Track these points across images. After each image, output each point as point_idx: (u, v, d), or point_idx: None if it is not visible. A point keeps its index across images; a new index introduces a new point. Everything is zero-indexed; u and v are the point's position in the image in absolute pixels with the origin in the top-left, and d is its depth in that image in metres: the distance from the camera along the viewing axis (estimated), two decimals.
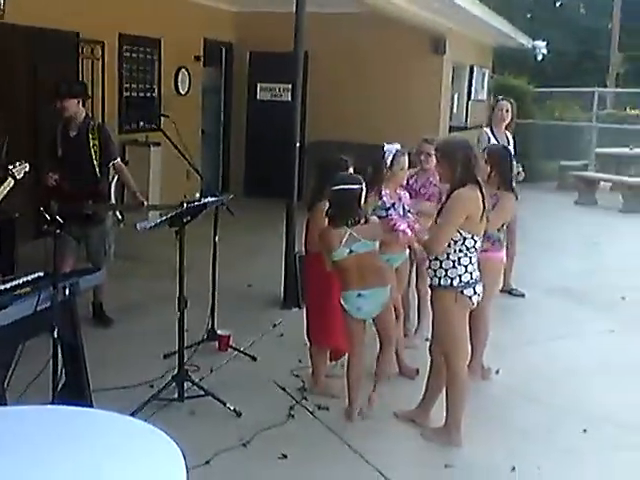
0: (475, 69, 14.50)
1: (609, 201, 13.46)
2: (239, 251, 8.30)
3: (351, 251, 4.46)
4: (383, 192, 5.09)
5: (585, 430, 4.61)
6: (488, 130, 7.33)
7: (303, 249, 4.93)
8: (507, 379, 5.37)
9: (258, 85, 12.52)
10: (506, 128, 7.39)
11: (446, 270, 4.18)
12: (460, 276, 4.17)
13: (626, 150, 15.54)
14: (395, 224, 4.95)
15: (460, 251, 4.16)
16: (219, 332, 5.71)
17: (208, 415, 4.59)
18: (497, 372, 5.44)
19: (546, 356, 5.82)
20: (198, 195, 5.02)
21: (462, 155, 4.16)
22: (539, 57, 16.43)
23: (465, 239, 4.14)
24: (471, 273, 4.20)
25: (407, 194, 5.30)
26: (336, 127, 11.55)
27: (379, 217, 4.89)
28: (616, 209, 12.95)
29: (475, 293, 4.24)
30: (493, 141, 7.06)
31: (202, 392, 4.69)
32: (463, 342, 4.38)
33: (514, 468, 4.14)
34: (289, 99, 11.81)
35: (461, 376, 4.35)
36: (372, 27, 11.39)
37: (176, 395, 4.68)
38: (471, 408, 4.46)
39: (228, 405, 4.61)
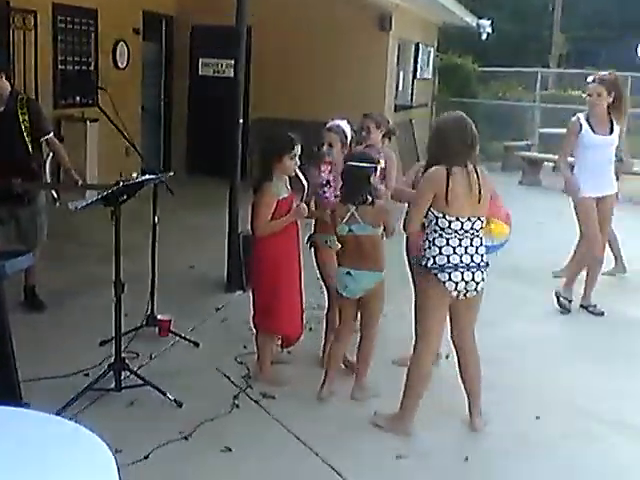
0: (421, 47, 14.35)
1: (553, 181, 13.45)
2: (181, 232, 8.04)
3: (350, 230, 4.43)
4: (322, 167, 4.92)
5: (538, 417, 4.52)
6: None
7: (250, 230, 4.71)
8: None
9: (200, 60, 12.17)
10: None
11: (424, 250, 4.07)
12: (434, 257, 4.00)
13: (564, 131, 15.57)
14: (329, 203, 4.80)
15: (435, 231, 4.02)
16: (159, 317, 5.45)
17: (147, 406, 4.36)
18: (447, 357, 5.29)
19: (499, 339, 5.70)
20: (136, 174, 4.74)
21: (457, 134, 4.00)
22: (484, 36, 16.34)
23: (437, 219, 3.98)
24: (448, 256, 3.98)
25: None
26: (280, 104, 11.30)
27: (318, 195, 4.75)
28: (559, 189, 12.89)
29: (450, 280, 3.97)
30: None
31: (141, 381, 4.44)
32: (432, 330, 4.14)
33: (467, 458, 4.02)
34: (232, 75, 11.92)
35: (422, 362, 4.17)
36: (318, 1, 11.16)
37: (113, 385, 4.41)
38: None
39: (168, 395, 4.37)
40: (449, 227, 3.98)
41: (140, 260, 5.66)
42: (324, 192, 4.92)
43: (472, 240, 4.03)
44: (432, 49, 15.81)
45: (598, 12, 26.10)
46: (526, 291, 7.06)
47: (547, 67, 20.32)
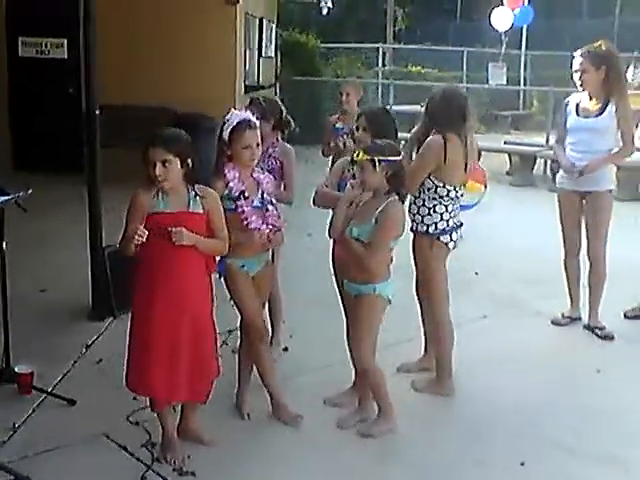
0: (264, 23, 13.35)
1: None
2: (21, 243, 6.57)
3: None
4: (229, 175, 3.83)
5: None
6: None
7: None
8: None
9: (19, 39, 10.54)
10: None
11: (422, 217, 4.26)
12: (436, 224, 4.24)
13: (418, 108, 15.18)
14: (247, 220, 3.80)
15: (434, 199, 4.22)
16: (17, 369, 4.21)
17: None
18: None
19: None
20: None
21: (446, 103, 4.19)
22: (324, 11, 15.59)
23: (437, 187, 4.19)
24: (447, 221, 4.25)
25: (268, 177, 4.08)
26: (124, 89, 9.88)
27: (226, 210, 3.69)
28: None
29: (451, 240, 4.28)
30: None
31: (10, 477, 3.25)
32: (442, 286, 4.39)
33: None
34: (63, 56, 10.47)
35: (446, 322, 4.42)
36: None
37: None
38: None
39: None
40: (447, 195, 4.21)
41: None
42: (237, 206, 3.84)
43: (456, 204, 4.31)
44: (273, 25, 14.85)
45: None
46: None
47: (384, 43, 19.91)
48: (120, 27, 9.66)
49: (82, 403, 4.11)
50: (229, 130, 3.83)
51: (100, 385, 4.36)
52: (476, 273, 6.61)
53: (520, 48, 18.99)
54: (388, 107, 15.52)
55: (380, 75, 17.12)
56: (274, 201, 3.99)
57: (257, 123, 3.88)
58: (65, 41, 10.15)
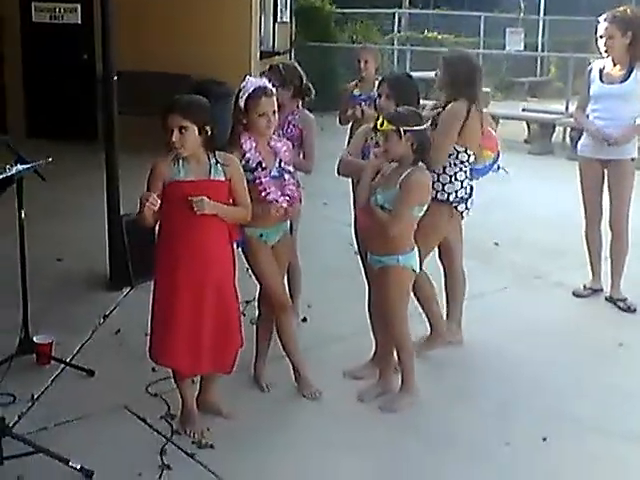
0: None
1: None
2: (36, 210, 6.46)
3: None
4: (245, 145, 3.72)
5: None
6: None
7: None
8: None
9: (33, 5, 10.41)
10: None
11: (443, 184, 4.18)
12: (457, 191, 4.20)
13: (433, 74, 14.97)
14: (265, 191, 3.70)
15: (455, 165, 4.18)
16: (36, 339, 4.18)
17: None
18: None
19: None
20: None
21: (465, 69, 4.15)
22: None
23: (459, 153, 4.16)
24: (466, 188, 4.24)
25: (288, 144, 3.98)
26: (137, 55, 9.77)
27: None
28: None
29: (467, 208, 4.28)
30: None
31: (30, 448, 3.23)
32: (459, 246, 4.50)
33: None
34: (77, 21, 10.35)
35: (458, 274, 4.57)
36: None
37: None
38: None
39: (72, 464, 3.19)
40: (467, 160, 4.20)
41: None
42: (255, 178, 3.74)
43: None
44: None
45: None
46: None
47: (399, 8, 19.61)
48: None
49: (101, 374, 4.09)
50: (245, 97, 3.73)
51: (119, 355, 4.34)
52: (496, 243, 6.51)
53: (538, 13, 18.68)
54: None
55: (396, 41, 16.88)
56: (292, 170, 3.91)
57: (274, 90, 3.79)
58: (79, 6, 10.04)
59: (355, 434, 3.67)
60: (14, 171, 3.07)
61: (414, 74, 14.36)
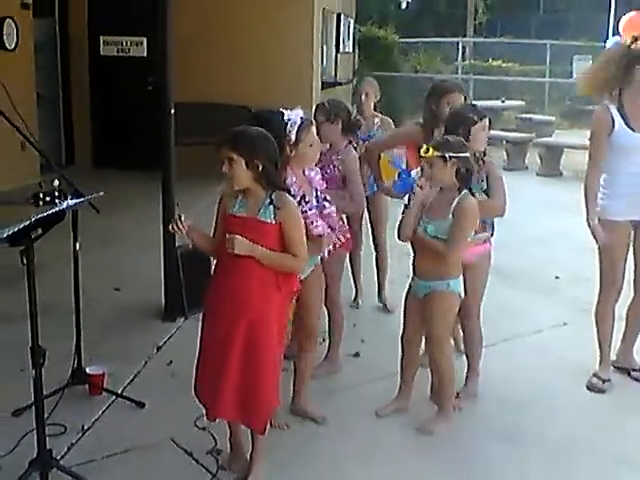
0: (342, 18, 13.25)
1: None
2: (95, 240, 6.50)
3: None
4: (288, 181, 3.58)
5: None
6: None
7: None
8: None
9: (101, 38, 10.71)
10: None
11: None
12: None
13: (498, 102, 14.86)
14: (312, 225, 3.58)
15: None
16: (88, 370, 4.23)
17: None
18: None
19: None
20: (57, 182, 3.43)
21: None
22: (403, 5, 15.39)
23: None
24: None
25: (318, 172, 3.85)
26: (198, 86, 9.96)
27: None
28: (499, 166, 12.08)
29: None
30: None
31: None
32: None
33: None
34: (143, 54, 10.59)
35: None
36: None
37: None
38: None
39: None
40: None
41: (54, 283, 4.51)
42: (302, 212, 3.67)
43: None
44: (351, 20, 14.73)
45: None
46: (517, 297, 6.09)
47: (464, 37, 19.56)
48: (198, 23, 9.70)
49: (151, 405, 4.09)
50: (295, 129, 3.62)
51: (170, 387, 4.33)
52: (557, 277, 6.34)
53: (605, 40, 18.33)
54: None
55: (460, 70, 16.81)
56: (329, 197, 3.80)
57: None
58: (145, 40, 10.28)
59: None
60: (65, 205, 3.11)
61: (477, 103, 14.31)
